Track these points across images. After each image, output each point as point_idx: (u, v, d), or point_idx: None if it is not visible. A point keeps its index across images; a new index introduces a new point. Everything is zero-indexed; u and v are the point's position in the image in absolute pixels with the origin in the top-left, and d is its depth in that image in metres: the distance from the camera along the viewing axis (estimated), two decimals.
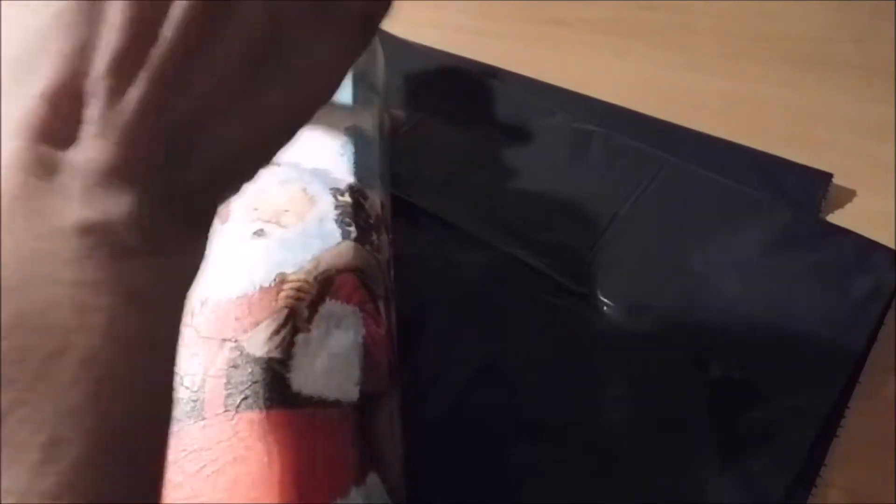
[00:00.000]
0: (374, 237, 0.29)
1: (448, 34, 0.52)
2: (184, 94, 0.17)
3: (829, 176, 0.42)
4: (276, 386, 0.24)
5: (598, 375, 0.34)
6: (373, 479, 0.24)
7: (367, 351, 0.26)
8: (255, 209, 0.27)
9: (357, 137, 0.30)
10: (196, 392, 0.24)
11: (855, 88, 0.48)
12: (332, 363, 0.25)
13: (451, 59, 0.49)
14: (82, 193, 0.15)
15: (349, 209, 0.28)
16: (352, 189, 0.29)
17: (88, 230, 0.15)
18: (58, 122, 0.16)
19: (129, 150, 0.16)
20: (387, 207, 0.31)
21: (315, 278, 0.26)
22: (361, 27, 0.20)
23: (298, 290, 0.26)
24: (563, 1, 0.55)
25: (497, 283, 0.37)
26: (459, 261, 0.38)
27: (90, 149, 0.16)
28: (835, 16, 0.53)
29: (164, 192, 0.17)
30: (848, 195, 0.42)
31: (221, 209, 0.27)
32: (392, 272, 0.30)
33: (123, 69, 0.16)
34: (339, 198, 0.28)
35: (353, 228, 0.28)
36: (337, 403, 0.24)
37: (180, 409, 0.24)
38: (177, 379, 0.24)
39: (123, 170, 0.16)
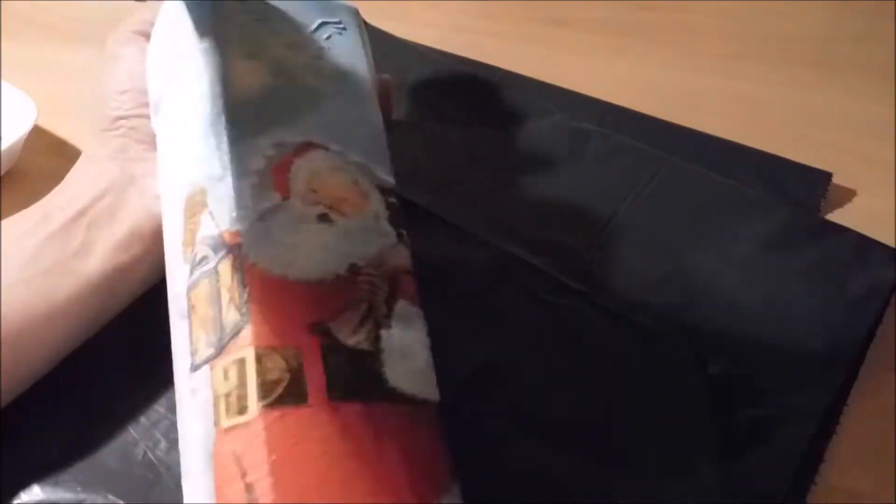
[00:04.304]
0: (408, 241, 0.28)
1: (448, 34, 0.52)
2: None
3: (829, 176, 0.42)
4: (373, 379, 0.24)
5: (598, 374, 0.34)
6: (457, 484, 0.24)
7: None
8: (314, 191, 0.26)
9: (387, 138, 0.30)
10: (295, 374, 0.23)
11: (855, 88, 0.48)
12: (415, 363, 0.25)
13: (450, 59, 0.49)
14: None
15: (396, 211, 0.28)
16: (393, 192, 0.28)
17: None
18: None
19: None
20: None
21: (384, 274, 0.26)
22: None
23: (371, 284, 0.25)
24: (563, 1, 0.55)
25: (497, 282, 0.37)
26: (459, 259, 0.38)
27: None
28: (835, 16, 0.53)
29: None
30: (848, 195, 0.42)
31: (279, 180, 0.26)
32: None
33: None
34: (389, 199, 0.28)
35: (402, 231, 0.27)
36: (425, 403, 0.24)
37: (277, 392, 0.23)
38: (273, 359, 0.23)
39: None
